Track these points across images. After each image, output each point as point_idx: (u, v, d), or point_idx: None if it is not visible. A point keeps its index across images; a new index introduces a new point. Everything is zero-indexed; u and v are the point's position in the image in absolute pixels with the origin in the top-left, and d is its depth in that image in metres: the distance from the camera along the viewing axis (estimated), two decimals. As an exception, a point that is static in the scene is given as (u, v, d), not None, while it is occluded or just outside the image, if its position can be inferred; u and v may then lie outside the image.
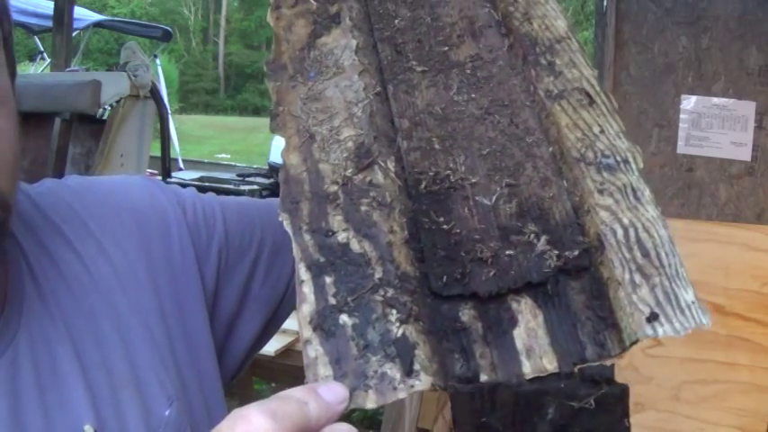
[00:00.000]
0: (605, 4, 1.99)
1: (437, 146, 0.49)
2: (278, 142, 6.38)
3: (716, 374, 1.67)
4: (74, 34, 5.17)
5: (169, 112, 5.19)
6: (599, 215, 0.44)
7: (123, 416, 0.58)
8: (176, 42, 21.32)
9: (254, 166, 7.24)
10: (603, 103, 0.50)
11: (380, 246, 0.43)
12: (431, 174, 0.48)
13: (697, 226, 1.71)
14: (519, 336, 0.42)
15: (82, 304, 0.61)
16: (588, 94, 0.50)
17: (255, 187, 5.72)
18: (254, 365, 2.08)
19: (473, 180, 0.48)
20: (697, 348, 1.68)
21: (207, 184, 5.80)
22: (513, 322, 0.42)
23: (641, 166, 0.47)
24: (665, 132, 1.95)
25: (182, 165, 6.72)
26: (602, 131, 0.49)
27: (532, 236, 0.45)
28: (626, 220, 0.44)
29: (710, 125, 1.92)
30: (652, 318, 0.41)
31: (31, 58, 7.81)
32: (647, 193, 0.46)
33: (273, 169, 6.19)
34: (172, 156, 5.76)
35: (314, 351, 0.40)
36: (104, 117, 3.22)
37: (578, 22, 8.27)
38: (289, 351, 2.13)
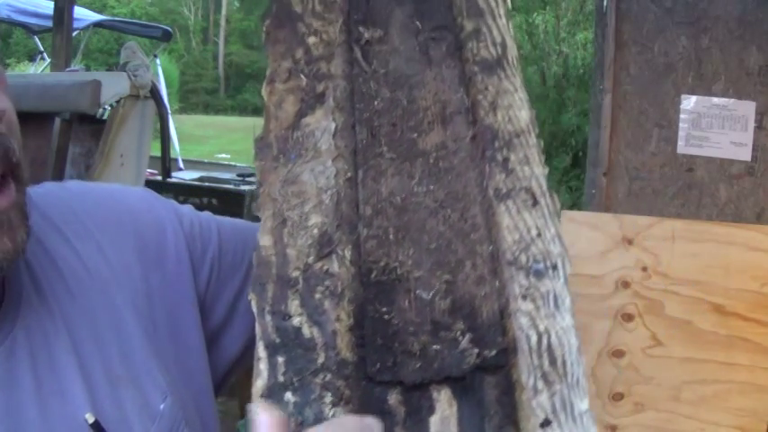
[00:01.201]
0: (605, 4, 1.99)
1: (392, 236, 0.53)
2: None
3: (716, 374, 1.67)
4: (74, 34, 5.18)
5: (169, 112, 5.19)
6: (519, 320, 0.49)
7: (121, 407, 0.60)
8: (176, 42, 21.32)
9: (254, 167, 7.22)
10: (546, 204, 0.54)
11: (326, 333, 0.48)
12: (381, 264, 0.52)
13: (697, 226, 1.71)
14: (434, 423, 0.47)
15: (79, 300, 0.62)
16: (533, 195, 0.54)
17: (255, 187, 5.71)
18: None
19: (417, 274, 0.52)
20: (697, 348, 1.68)
21: (207, 184, 5.80)
22: (431, 410, 0.47)
23: (569, 271, 0.51)
24: (665, 132, 1.95)
25: (182, 165, 6.71)
26: (539, 235, 0.52)
27: (459, 333, 0.49)
28: (542, 327, 0.49)
29: (710, 125, 1.92)
30: (545, 423, 0.46)
31: (31, 58, 7.81)
32: (568, 301, 0.50)
33: (273, 169, 6.17)
34: (172, 156, 5.76)
35: None
36: (104, 117, 3.22)
37: (578, 21, 8.28)
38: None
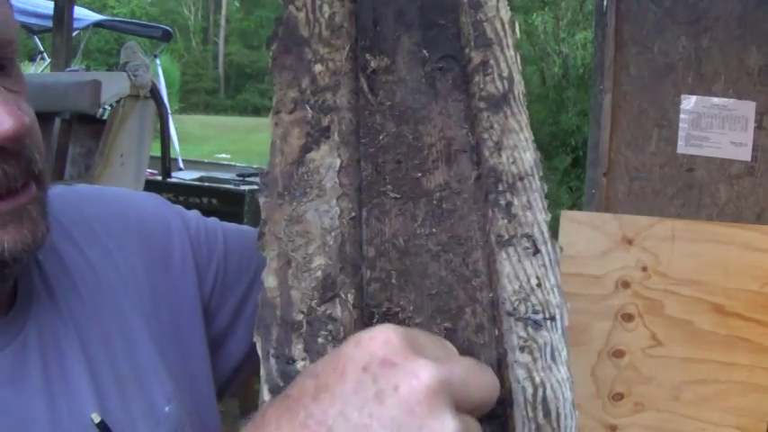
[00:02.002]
0: (605, 3, 1.99)
1: (394, 280, 0.53)
2: (278, 142, 6.37)
3: (716, 374, 1.67)
4: (74, 34, 5.18)
5: (169, 112, 5.19)
6: (516, 372, 0.49)
7: (128, 408, 0.61)
8: (176, 42, 21.32)
9: (254, 166, 7.23)
10: (548, 252, 0.54)
11: None
12: (383, 309, 0.52)
13: (697, 226, 1.71)
14: None
15: (87, 302, 0.63)
16: (535, 243, 0.54)
17: (255, 187, 5.71)
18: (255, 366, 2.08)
19: (417, 320, 0.52)
20: (697, 348, 1.68)
21: (207, 184, 5.80)
22: None
23: (566, 323, 0.51)
24: (665, 132, 1.95)
25: (182, 165, 6.71)
26: (539, 285, 0.52)
27: None
28: (538, 379, 0.49)
29: (710, 125, 1.92)
30: None
31: (31, 58, 7.81)
32: (564, 353, 0.50)
33: (273, 169, 6.16)
34: (172, 156, 5.76)
35: None
36: (104, 117, 3.22)
37: (577, 21, 8.27)
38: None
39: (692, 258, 1.67)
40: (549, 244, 0.54)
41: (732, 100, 1.90)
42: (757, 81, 1.90)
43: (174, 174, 5.58)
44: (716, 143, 1.92)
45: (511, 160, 0.57)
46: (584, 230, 1.69)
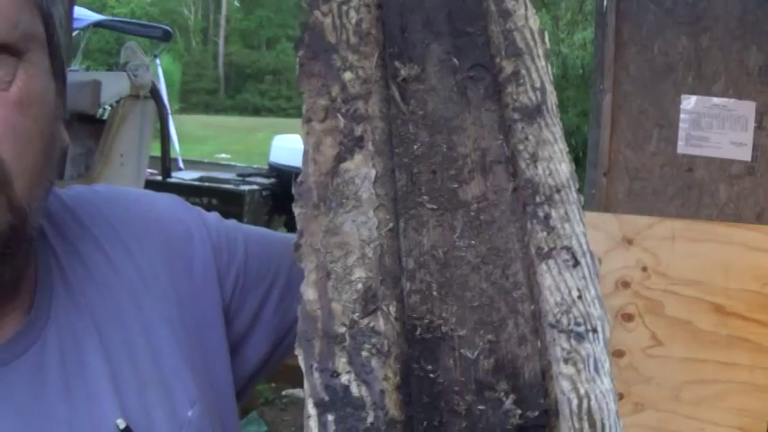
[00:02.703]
0: (605, 3, 1.99)
1: (435, 292, 0.53)
2: (278, 142, 6.39)
3: (716, 374, 1.67)
4: (74, 34, 5.17)
5: (169, 111, 5.19)
6: (560, 384, 0.50)
7: (150, 412, 0.60)
8: (176, 42, 21.33)
9: (254, 166, 7.23)
10: (587, 264, 0.54)
11: (375, 392, 0.49)
12: (426, 321, 0.52)
13: (697, 226, 1.71)
14: None
15: (110, 304, 0.62)
16: (574, 255, 0.54)
17: (255, 187, 5.72)
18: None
19: (461, 333, 0.52)
20: (697, 348, 1.68)
21: (207, 183, 5.81)
22: None
23: (608, 335, 0.52)
24: (665, 132, 1.95)
25: (182, 165, 6.72)
26: (579, 297, 0.53)
27: (502, 393, 0.50)
28: (582, 391, 0.50)
29: (710, 125, 1.92)
30: None
31: (31, 58, 7.77)
32: (607, 365, 0.51)
33: (273, 169, 6.18)
34: (172, 156, 5.76)
35: None
36: (104, 117, 3.22)
37: (577, 22, 8.28)
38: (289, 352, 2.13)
39: (692, 258, 1.67)
40: (588, 256, 0.54)
41: (732, 100, 1.90)
42: (757, 81, 1.90)
43: (174, 174, 5.59)
44: (716, 143, 1.92)
45: (547, 172, 0.57)
46: (584, 230, 1.68)
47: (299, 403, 3.82)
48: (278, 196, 5.77)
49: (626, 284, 1.69)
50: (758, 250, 1.66)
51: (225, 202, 5.23)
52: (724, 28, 1.90)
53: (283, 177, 5.82)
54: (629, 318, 1.68)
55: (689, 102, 1.92)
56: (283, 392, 3.65)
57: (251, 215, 5.31)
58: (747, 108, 1.89)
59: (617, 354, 1.68)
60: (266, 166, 6.49)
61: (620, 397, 1.68)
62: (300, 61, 0.59)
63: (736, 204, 1.91)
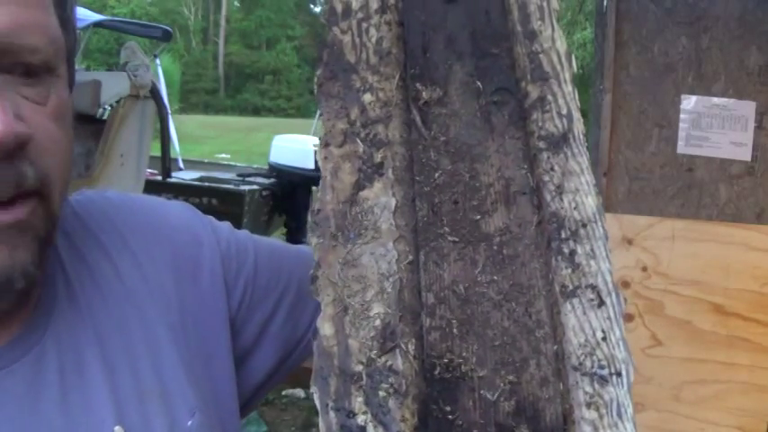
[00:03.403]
0: (605, 4, 1.99)
1: (455, 330, 0.51)
2: (278, 142, 6.38)
3: (716, 374, 1.67)
4: (74, 34, 5.15)
5: (169, 112, 5.19)
6: (582, 429, 0.48)
7: (149, 422, 0.59)
8: (176, 42, 21.32)
9: (254, 166, 7.23)
10: (612, 304, 0.52)
11: None
12: (445, 360, 0.50)
13: (697, 226, 1.71)
14: None
15: (113, 312, 0.62)
16: (599, 294, 0.52)
17: (255, 187, 5.71)
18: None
19: (481, 373, 0.50)
20: (697, 348, 1.68)
21: (207, 184, 5.80)
22: None
23: (632, 379, 0.51)
24: (665, 132, 1.95)
25: (182, 165, 6.72)
26: (604, 338, 0.51)
27: None
28: None
29: (710, 125, 1.92)
30: None
31: (31, 58, 7.78)
32: (630, 409, 0.50)
33: (273, 169, 6.18)
34: (172, 156, 5.76)
35: None
36: (104, 117, 3.22)
37: (577, 21, 8.27)
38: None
39: (692, 258, 1.67)
40: (613, 295, 0.52)
41: (732, 100, 1.90)
42: (757, 81, 1.90)
43: (174, 174, 5.59)
44: (716, 143, 1.92)
45: (573, 205, 0.54)
46: (584, 230, 1.68)
47: (299, 403, 3.81)
48: (278, 196, 5.77)
49: (626, 284, 1.69)
50: (758, 250, 1.66)
51: (225, 202, 5.23)
52: (724, 28, 1.90)
53: (283, 177, 5.82)
54: (629, 318, 1.68)
55: (689, 102, 1.92)
56: (283, 392, 3.65)
57: (251, 215, 5.31)
58: (747, 108, 1.89)
59: (617, 354, 1.68)
60: (266, 166, 6.48)
61: (620, 397, 1.67)
62: (319, 81, 0.57)
63: (736, 204, 1.91)
